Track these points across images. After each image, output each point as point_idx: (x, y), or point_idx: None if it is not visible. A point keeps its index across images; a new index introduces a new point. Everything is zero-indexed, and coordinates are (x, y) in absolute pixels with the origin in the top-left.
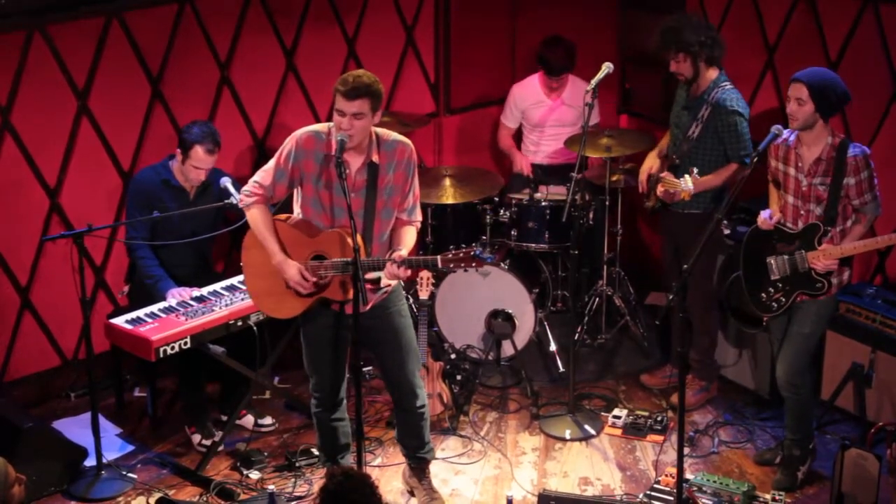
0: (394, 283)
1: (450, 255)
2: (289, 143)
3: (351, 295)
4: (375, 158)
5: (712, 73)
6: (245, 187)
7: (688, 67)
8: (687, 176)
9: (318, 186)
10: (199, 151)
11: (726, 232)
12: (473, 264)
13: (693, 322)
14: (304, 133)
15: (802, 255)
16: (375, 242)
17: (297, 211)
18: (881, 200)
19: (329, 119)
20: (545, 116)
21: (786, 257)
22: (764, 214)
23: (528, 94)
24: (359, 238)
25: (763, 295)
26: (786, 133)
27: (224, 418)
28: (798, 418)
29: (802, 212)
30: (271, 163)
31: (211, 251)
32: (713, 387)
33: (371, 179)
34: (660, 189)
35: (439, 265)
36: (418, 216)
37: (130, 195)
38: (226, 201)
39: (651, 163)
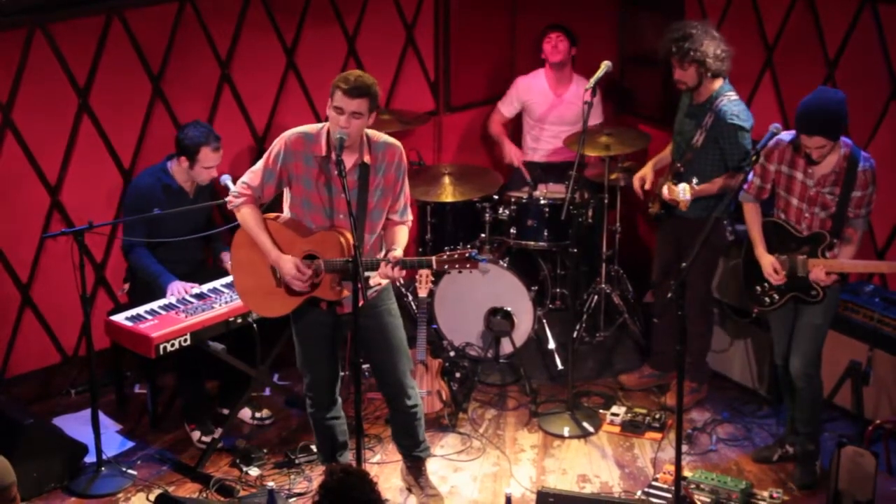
0: (384, 282)
1: (444, 257)
2: (277, 145)
3: (343, 295)
4: (367, 159)
5: (716, 83)
6: (233, 188)
7: (692, 77)
8: (686, 185)
9: (309, 187)
10: (207, 153)
11: (731, 238)
12: (468, 265)
13: (687, 324)
14: (293, 134)
15: (804, 260)
16: (365, 243)
17: (286, 211)
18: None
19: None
20: (546, 112)
21: (785, 258)
22: (769, 268)
23: (533, 86)
24: (351, 237)
25: (758, 288)
26: (786, 136)
27: (225, 412)
28: (811, 409)
29: (807, 214)
30: (260, 164)
31: (209, 248)
32: (704, 388)
33: (362, 180)
34: (666, 196)
35: (434, 266)
36: (409, 216)
37: (127, 201)
38: (226, 199)
39: (646, 171)
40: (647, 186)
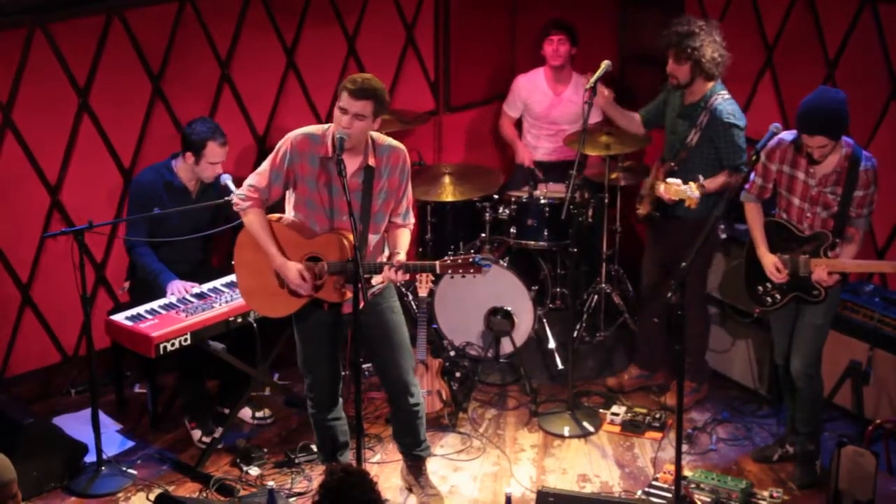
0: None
1: (448, 261)
2: (283, 145)
3: (346, 297)
4: (371, 162)
5: (710, 83)
6: (239, 191)
7: (685, 73)
8: (693, 184)
9: (312, 188)
10: (213, 147)
11: (723, 236)
12: (472, 270)
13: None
14: (299, 135)
15: (806, 260)
16: (368, 245)
17: (289, 211)
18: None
19: (329, 118)
20: (547, 111)
21: (787, 258)
22: (771, 267)
23: (533, 86)
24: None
25: (760, 288)
26: (787, 135)
27: (225, 411)
28: (811, 409)
29: (808, 214)
30: (265, 165)
31: (211, 248)
32: (704, 388)
33: (367, 183)
34: (664, 194)
35: (437, 271)
36: (412, 219)
37: (131, 197)
38: (227, 198)
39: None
40: (605, 94)
